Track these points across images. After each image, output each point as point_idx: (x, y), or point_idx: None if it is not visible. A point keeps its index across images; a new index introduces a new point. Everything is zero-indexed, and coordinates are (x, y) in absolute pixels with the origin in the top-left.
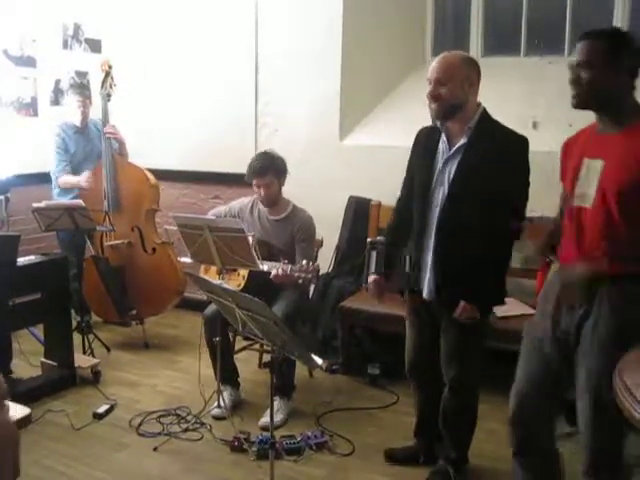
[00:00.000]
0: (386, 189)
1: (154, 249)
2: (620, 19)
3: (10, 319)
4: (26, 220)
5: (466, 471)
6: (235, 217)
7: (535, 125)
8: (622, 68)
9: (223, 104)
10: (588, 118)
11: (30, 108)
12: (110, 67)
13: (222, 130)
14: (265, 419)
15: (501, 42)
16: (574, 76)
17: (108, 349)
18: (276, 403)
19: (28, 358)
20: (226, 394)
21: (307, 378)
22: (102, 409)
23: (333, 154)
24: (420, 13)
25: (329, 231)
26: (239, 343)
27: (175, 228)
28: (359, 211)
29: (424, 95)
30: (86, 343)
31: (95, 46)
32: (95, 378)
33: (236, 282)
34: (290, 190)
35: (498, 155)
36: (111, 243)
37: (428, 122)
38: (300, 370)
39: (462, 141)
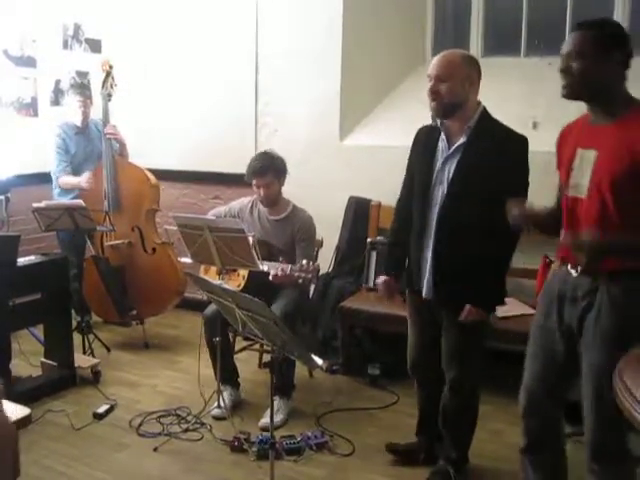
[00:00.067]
0: (386, 189)
1: (154, 249)
2: (620, 19)
3: (10, 319)
4: (26, 220)
5: (466, 471)
6: (235, 217)
7: (535, 125)
8: (613, 58)
9: (223, 104)
10: None
11: (30, 108)
12: (111, 67)
13: (222, 130)
14: (265, 419)
15: (501, 42)
16: (564, 65)
17: (108, 349)
18: (276, 403)
19: (28, 358)
20: (226, 394)
21: (307, 378)
22: (102, 409)
23: (333, 154)
24: (420, 13)
25: (329, 231)
26: (239, 343)
27: (175, 228)
28: (359, 211)
29: (424, 95)
30: (86, 343)
31: (95, 46)
32: (95, 378)
33: (236, 282)
34: (290, 190)
35: (498, 154)
36: (111, 243)
37: (428, 122)
38: (300, 370)
39: (461, 140)
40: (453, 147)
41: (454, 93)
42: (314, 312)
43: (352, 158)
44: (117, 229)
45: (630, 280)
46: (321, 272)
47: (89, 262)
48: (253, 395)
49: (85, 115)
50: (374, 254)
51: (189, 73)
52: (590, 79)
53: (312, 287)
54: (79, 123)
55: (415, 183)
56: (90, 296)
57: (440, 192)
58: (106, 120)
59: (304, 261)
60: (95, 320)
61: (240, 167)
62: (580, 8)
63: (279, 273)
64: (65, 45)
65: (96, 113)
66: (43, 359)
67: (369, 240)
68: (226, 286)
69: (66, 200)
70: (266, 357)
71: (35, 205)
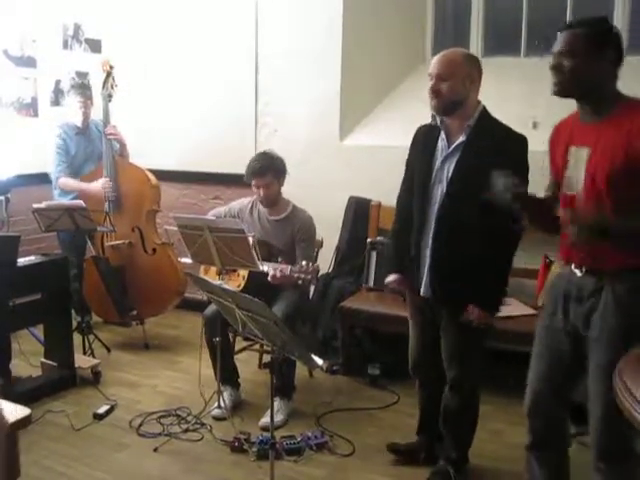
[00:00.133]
0: (386, 189)
1: (154, 249)
2: (620, 19)
3: (10, 319)
4: (26, 220)
5: (467, 471)
6: (235, 217)
7: (535, 125)
8: (604, 57)
9: (223, 104)
10: None
11: (30, 108)
12: (111, 67)
13: (222, 130)
14: (265, 419)
15: (501, 42)
16: (556, 63)
17: (108, 349)
18: (276, 403)
19: (28, 358)
20: (226, 394)
21: (307, 378)
22: (102, 409)
23: (333, 154)
24: (420, 13)
25: (329, 231)
26: (239, 343)
27: (175, 228)
28: (359, 211)
29: (424, 95)
30: (86, 343)
31: (95, 46)
32: (95, 378)
33: (236, 283)
34: (290, 190)
35: (497, 153)
36: (112, 243)
37: (428, 121)
38: (300, 370)
39: (461, 139)
40: (453, 146)
41: (455, 92)
42: (314, 312)
43: (352, 158)
44: (117, 229)
45: (635, 279)
46: (321, 272)
47: (89, 262)
48: (253, 395)
49: (86, 115)
50: (374, 254)
51: (189, 73)
52: (581, 77)
53: (312, 287)
54: (80, 123)
55: (414, 182)
56: (90, 296)
57: (439, 191)
58: (106, 120)
59: (304, 262)
60: (95, 320)
61: (240, 167)
62: (580, 8)
63: (278, 274)
64: (65, 45)
65: (96, 113)
66: (43, 359)
67: (369, 240)
68: (226, 286)
69: (66, 200)
70: (266, 357)
71: (35, 205)
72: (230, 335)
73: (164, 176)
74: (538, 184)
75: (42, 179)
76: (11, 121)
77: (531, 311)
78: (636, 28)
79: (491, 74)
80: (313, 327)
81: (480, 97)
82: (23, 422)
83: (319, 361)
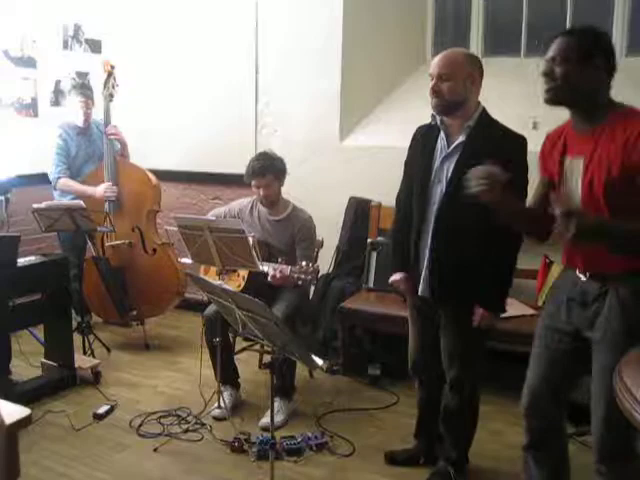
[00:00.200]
0: (386, 190)
1: (154, 250)
2: (620, 19)
3: (10, 319)
4: (26, 221)
5: (467, 471)
6: (235, 218)
7: (535, 125)
8: (597, 65)
9: (223, 104)
10: None
11: (30, 109)
12: (112, 67)
13: (222, 130)
14: (265, 420)
15: (501, 42)
16: (548, 70)
17: (108, 350)
18: (276, 404)
19: (28, 359)
20: (226, 395)
21: (307, 379)
22: (102, 410)
23: (333, 155)
24: (420, 13)
25: (329, 232)
26: (239, 344)
27: (176, 229)
28: (359, 212)
29: (425, 95)
30: (86, 344)
31: (95, 46)
32: (95, 379)
33: (236, 283)
34: (290, 191)
35: (496, 154)
36: (112, 243)
37: (428, 122)
38: (300, 371)
39: (461, 139)
40: (452, 146)
41: (455, 92)
42: (314, 313)
43: (352, 158)
44: (117, 229)
45: (639, 282)
46: (321, 272)
47: (89, 262)
48: (253, 396)
49: (87, 116)
50: (374, 254)
51: (189, 73)
52: (572, 84)
53: (312, 288)
54: (81, 124)
55: (414, 182)
56: (90, 296)
57: (439, 191)
58: (107, 121)
59: (304, 262)
60: (95, 320)
61: (240, 167)
62: (580, 8)
63: (277, 274)
64: (65, 45)
65: (97, 114)
66: (43, 359)
67: (369, 240)
68: (226, 287)
69: (66, 201)
70: (266, 358)
71: (35, 206)
72: (230, 335)
73: (164, 176)
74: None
75: (42, 179)
76: (11, 121)
77: (531, 311)
78: (636, 28)
79: (491, 74)
80: (313, 327)
81: (480, 97)
82: (23, 422)
83: (319, 361)
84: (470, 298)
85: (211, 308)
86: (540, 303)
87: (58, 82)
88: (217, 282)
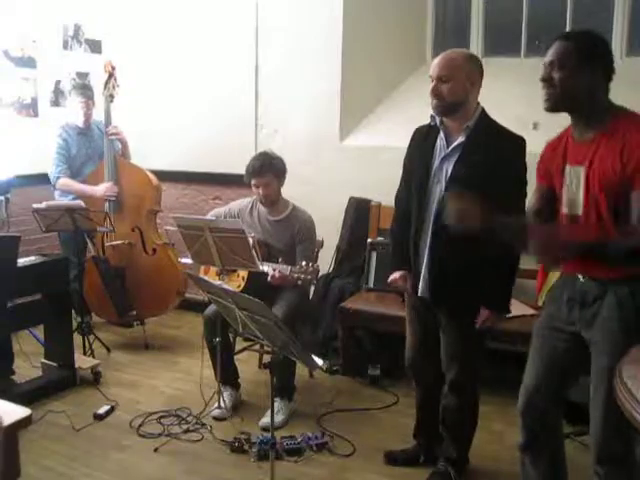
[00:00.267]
0: (386, 190)
1: (155, 250)
2: (620, 19)
3: (10, 320)
4: (26, 221)
5: (467, 472)
6: (235, 218)
7: (535, 126)
8: (593, 70)
9: (223, 104)
10: None
11: (30, 109)
12: (113, 68)
13: (222, 131)
14: (265, 420)
15: (501, 42)
16: (546, 75)
17: (108, 350)
18: (277, 404)
19: (29, 359)
20: (226, 395)
21: (307, 379)
22: (102, 410)
23: (333, 154)
24: (420, 13)
25: (329, 232)
26: (239, 344)
27: (175, 229)
28: (359, 212)
29: (425, 95)
30: (86, 344)
31: (95, 47)
32: (95, 379)
33: (236, 283)
34: (290, 191)
35: (496, 154)
36: (112, 243)
37: (428, 122)
38: (300, 371)
39: (460, 139)
40: (452, 146)
41: (455, 93)
42: (314, 313)
43: (352, 158)
44: (117, 230)
45: (637, 283)
46: (321, 272)
47: (89, 262)
48: (253, 396)
49: (87, 116)
50: (374, 254)
51: (189, 74)
52: (571, 89)
53: (312, 288)
54: (81, 124)
55: (413, 182)
56: (90, 296)
57: (438, 191)
58: (108, 121)
59: (304, 262)
60: (95, 321)
61: (240, 168)
62: (580, 8)
63: (276, 274)
64: (65, 46)
65: (98, 114)
66: (43, 360)
67: (369, 240)
68: (226, 287)
69: (67, 201)
70: (266, 358)
71: (35, 206)
72: (230, 335)
73: (164, 176)
74: None
75: (42, 179)
76: (11, 121)
77: (531, 311)
78: (636, 28)
79: (491, 74)
80: (313, 327)
81: (480, 97)
82: (24, 422)
83: (319, 361)
84: (470, 299)
85: (211, 308)
86: (540, 303)
87: (58, 82)
88: (217, 282)
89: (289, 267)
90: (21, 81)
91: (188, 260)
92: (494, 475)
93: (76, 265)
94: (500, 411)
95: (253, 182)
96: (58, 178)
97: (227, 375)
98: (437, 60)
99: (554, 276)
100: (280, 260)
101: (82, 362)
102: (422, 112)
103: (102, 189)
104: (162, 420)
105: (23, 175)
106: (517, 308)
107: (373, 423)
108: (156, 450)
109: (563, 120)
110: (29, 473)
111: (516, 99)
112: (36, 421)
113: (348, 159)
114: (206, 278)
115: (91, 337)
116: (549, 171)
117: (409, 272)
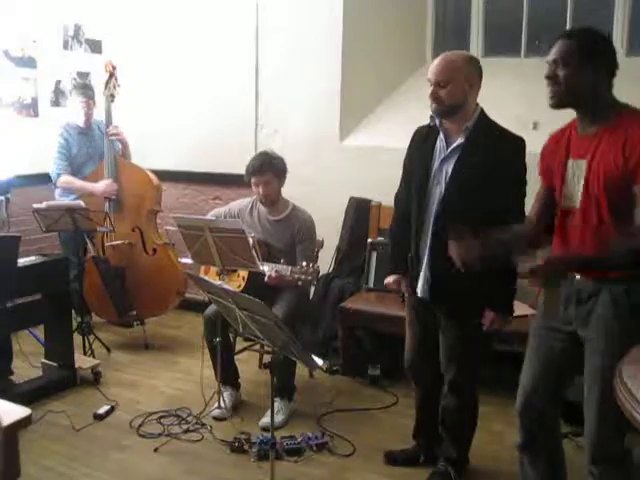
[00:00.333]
0: (386, 190)
1: (155, 250)
2: (620, 19)
3: (10, 320)
4: (27, 221)
5: (467, 472)
6: (235, 218)
7: (535, 126)
8: (597, 67)
9: (223, 104)
10: None
11: (31, 109)
12: (114, 68)
13: (222, 130)
14: (265, 420)
15: (501, 42)
16: (551, 73)
17: (108, 350)
18: (277, 404)
19: (29, 359)
20: (226, 395)
21: (307, 379)
22: (103, 410)
23: (333, 155)
24: (420, 13)
25: (329, 232)
26: (240, 344)
27: (175, 229)
28: (359, 212)
29: (424, 96)
30: (86, 344)
31: (96, 47)
32: (95, 379)
33: (236, 283)
34: (290, 190)
35: (495, 155)
36: (112, 243)
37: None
38: (300, 371)
39: (460, 140)
40: (451, 147)
41: (454, 96)
42: (314, 313)
43: (352, 158)
44: (118, 229)
45: (632, 282)
46: (321, 273)
47: (89, 262)
48: (253, 396)
49: (88, 116)
50: (374, 255)
51: (189, 74)
52: (575, 86)
53: (312, 288)
54: (82, 124)
55: (412, 182)
56: (90, 296)
57: (437, 192)
58: (109, 121)
59: (304, 262)
60: (95, 321)
61: (240, 167)
62: (580, 8)
63: (273, 274)
64: (65, 46)
65: (98, 114)
66: (44, 360)
67: (369, 240)
68: (226, 287)
69: (67, 200)
70: (266, 358)
71: (35, 206)
72: (230, 335)
73: (164, 176)
74: (537, 185)
75: (42, 179)
76: (11, 121)
77: (531, 311)
78: (636, 28)
79: (491, 74)
80: (313, 327)
81: (480, 98)
82: (23, 422)
83: (319, 361)
84: (470, 299)
85: (211, 308)
86: (540, 303)
87: (58, 82)
88: (217, 282)
89: (289, 267)
90: (21, 81)
91: (188, 260)
92: (494, 475)
93: (76, 265)
94: (500, 411)
95: (253, 181)
96: (59, 175)
97: (227, 375)
98: (435, 64)
99: None
100: (282, 261)
101: (82, 362)
102: (422, 112)
103: (102, 186)
104: (162, 420)
105: (23, 175)
106: (517, 308)
107: (373, 423)
108: (156, 450)
109: (563, 120)
110: (29, 473)
111: (516, 99)
112: (36, 421)
113: (348, 159)
114: (206, 278)
115: (91, 337)
116: (550, 167)
117: (404, 275)
